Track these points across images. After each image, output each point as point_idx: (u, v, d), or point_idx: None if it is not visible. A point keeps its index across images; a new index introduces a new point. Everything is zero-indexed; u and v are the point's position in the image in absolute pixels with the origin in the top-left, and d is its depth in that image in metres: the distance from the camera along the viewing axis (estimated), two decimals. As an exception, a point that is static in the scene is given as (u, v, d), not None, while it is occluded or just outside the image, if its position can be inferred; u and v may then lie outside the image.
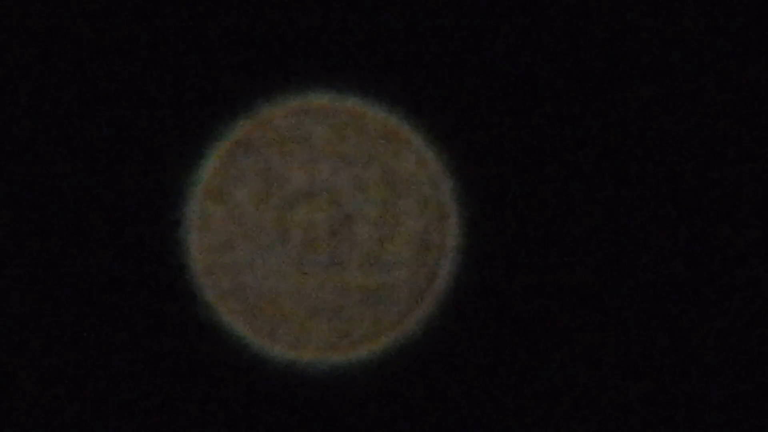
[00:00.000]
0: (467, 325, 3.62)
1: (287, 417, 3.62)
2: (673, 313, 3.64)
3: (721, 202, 3.66)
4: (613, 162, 3.65)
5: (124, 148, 3.61)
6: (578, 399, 3.62)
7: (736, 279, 3.65)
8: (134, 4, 3.62)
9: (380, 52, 3.65)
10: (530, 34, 3.66)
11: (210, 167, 3.67)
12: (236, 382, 3.63)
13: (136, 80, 3.62)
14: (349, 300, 3.66)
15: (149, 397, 3.62)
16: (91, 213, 3.60)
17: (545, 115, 3.65)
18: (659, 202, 3.66)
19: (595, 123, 3.65)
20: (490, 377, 3.61)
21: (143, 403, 3.62)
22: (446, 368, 3.62)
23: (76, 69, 3.63)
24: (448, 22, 3.65)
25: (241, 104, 3.67)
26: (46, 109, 3.63)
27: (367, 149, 3.67)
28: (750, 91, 3.67)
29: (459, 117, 3.65)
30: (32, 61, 3.63)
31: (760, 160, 3.66)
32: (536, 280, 3.62)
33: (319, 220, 3.66)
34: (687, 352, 3.64)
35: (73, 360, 3.59)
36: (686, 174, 3.66)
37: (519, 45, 3.66)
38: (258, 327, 3.67)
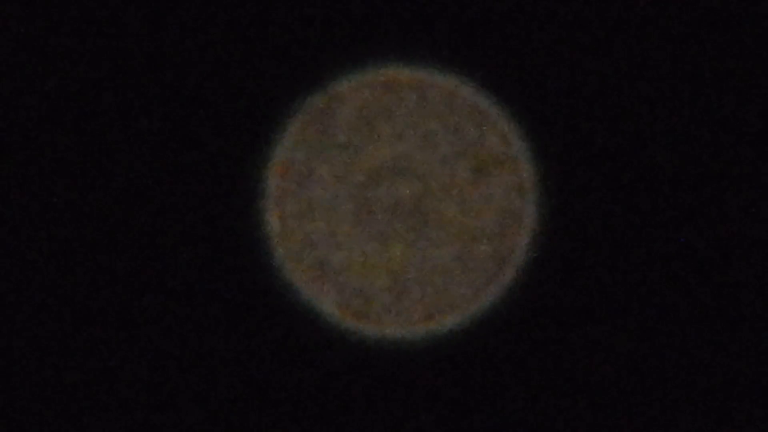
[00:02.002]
0: (548, 298, 3.62)
1: (373, 391, 3.63)
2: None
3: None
4: (698, 153, 3.63)
5: (208, 124, 3.62)
6: (660, 374, 3.61)
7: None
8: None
9: (465, 27, 3.64)
10: (623, 23, 3.64)
11: (292, 142, 3.66)
12: (320, 357, 3.64)
13: (224, 56, 3.62)
14: (431, 273, 3.66)
15: (232, 373, 3.62)
16: (172, 189, 3.60)
17: (628, 97, 3.64)
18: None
19: (687, 110, 3.63)
20: (569, 349, 3.60)
21: (225, 378, 3.63)
22: (527, 339, 3.62)
23: (155, 46, 3.63)
24: (538, 1, 3.65)
25: (325, 78, 3.66)
26: (126, 87, 3.64)
27: (451, 124, 3.67)
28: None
29: (544, 95, 3.65)
30: (113, 43, 3.63)
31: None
32: (615, 255, 3.62)
33: (403, 195, 3.66)
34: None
35: (157, 333, 3.60)
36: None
37: (612, 29, 3.64)
38: (340, 302, 3.67)
